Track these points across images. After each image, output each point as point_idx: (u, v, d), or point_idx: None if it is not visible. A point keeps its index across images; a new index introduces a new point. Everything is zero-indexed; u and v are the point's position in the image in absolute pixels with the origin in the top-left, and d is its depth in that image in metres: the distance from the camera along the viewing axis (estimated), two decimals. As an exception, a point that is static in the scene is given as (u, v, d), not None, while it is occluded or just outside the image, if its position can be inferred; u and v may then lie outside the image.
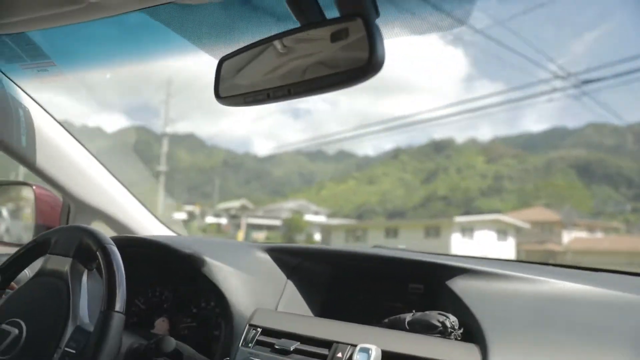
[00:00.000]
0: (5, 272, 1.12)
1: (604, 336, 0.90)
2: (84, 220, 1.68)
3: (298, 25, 0.80)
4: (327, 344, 1.03)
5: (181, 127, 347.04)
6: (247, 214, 42.67)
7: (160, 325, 1.34)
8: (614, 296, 1.02)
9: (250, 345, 1.11)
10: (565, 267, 1.46)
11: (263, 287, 1.32)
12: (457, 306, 1.08)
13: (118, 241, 1.05)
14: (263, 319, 1.16)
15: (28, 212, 1.79)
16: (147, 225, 1.86)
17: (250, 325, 1.15)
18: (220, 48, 1.03)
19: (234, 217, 40.98)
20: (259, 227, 42.26)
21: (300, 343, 1.06)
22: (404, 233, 32.76)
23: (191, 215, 47.36)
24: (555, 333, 0.93)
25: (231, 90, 0.88)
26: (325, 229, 35.21)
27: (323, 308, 1.39)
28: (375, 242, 28.27)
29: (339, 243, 30.75)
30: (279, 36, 0.80)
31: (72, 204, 1.67)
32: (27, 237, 1.76)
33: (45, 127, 1.48)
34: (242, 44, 0.85)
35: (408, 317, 1.09)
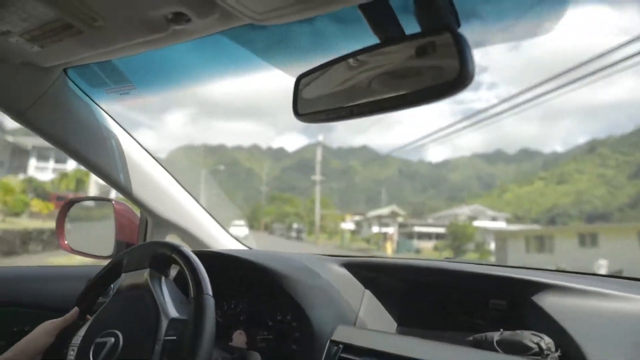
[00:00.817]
0: (83, 301, 1.18)
1: None
2: (160, 234, 1.77)
3: (377, 41, 0.79)
4: None
5: (356, 141, 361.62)
6: (404, 222, 40.90)
7: (238, 338, 1.35)
8: None
9: None
10: None
11: (341, 301, 1.31)
12: (548, 326, 1.04)
13: (194, 255, 1.08)
14: (345, 335, 1.14)
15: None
16: (220, 239, 1.94)
17: (332, 341, 1.14)
18: (296, 66, 1.03)
19: (402, 225, 39.38)
20: (426, 236, 39.81)
21: None
22: (607, 239, 25.44)
23: (358, 224, 47.85)
24: None
25: (311, 107, 0.89)
26: (501, 237, 30.16)
27: (400, 323, 1.39)
28: (566, 252, 23.32)
29: (517, 253, 26.03)
30: (356, 53, 0.80)
31: (149, 218, 1.77)
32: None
33: (125, 145, 1.58)
34: (318, 62, 0.87)
35: (496, 336, 1.04)
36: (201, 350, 0.90)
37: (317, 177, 40.80)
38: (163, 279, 1.09)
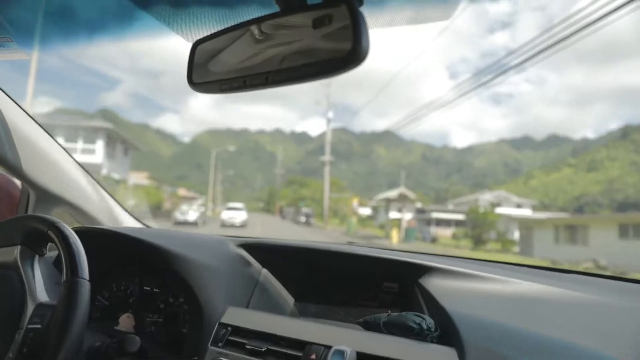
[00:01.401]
0: None
1: (577, 337, 0.92)
2: (44, 209, 1.57)
3: (277, 9, 0.75)
4: (301, 344, 1.02)
5: (380, 125, 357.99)
6: (422, 208, 39.60)
7: (125, 321, 1.28)
8: (581, 298, 1.07)
9: (220, 344, 1.09)
10: (538, 268, 1.41)
11: (235, 283, 1.29)
12: (432, 307, 1.11)
13: (78, 232, 1.00)
14: (234, 318, 1.13)
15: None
16: (116, 216, 1.82)
17: (221, 323, 1.13)
18: (193, 31, 0.97)
19: (420, 211, 38.37)
20: (445, 223, 38.59)
21: (273, 344, 1.04)
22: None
23: (375, 210, 46.17)
24: (533, 336, 0.93)
25: (206, 76, 0.84)
26: (526, 225, 27.22)
27: (296, 305, 1.42)
28: (604, 245, 20.68)
29: (544, 243, 24.10)
30: (256, 21, 0.76)
31: (31, 191, 1.57)
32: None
33: (7, 112, 1.42)
34: (216, 28, 0.83)
35: (383, 317, 1.10)
36: (66, 342, 0.83)
37: (327, 157, 38.90)
38: (37, 258, 1.00)
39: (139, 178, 36.57)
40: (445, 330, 1.01)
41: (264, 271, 1.41)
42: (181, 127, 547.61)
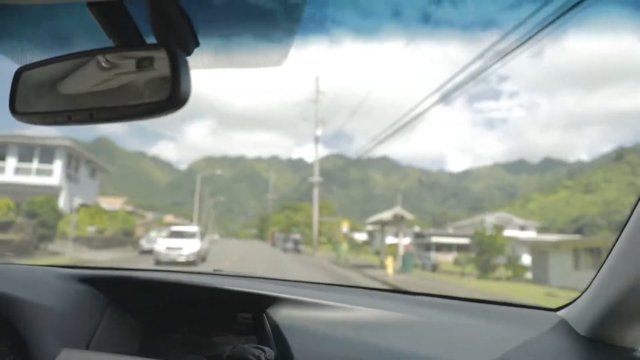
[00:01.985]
0: None
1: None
2: None
3: (111, 44, 0.75)
4: None
5: (376, 151, 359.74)
6: (421, 232, 37.08)
7: None
8: (419, 321, 1.17)
9: None
10: (387, 291, 1.51)
11: (72, 323, 1.20)
12: (277, 337, 1.14)
13: None
14: None
15: None
16: None
17: None
18: (19, 54, 0.92)
19: (419, 236, 36.26)
20: (446, 247, 36.65)
21: None
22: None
23: (371, 235, 43.97)
24: None
25: (30, 106, 0.79)
26: (538, 249, 24.56)
27: (145, 342, 1.36)
28: None
29: (562, 269, 20.98)
30: (86, 54, 0.74)
31: None
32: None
33: None
34: (45, 56, 0.79)
35: (228, 351, 1.13)
36: None
37: (315, 178, 36.73)
38: None
39: (113, 203, 34.11)
40: None
41: (111, 306, 1.32)
42: (178, 155, 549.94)
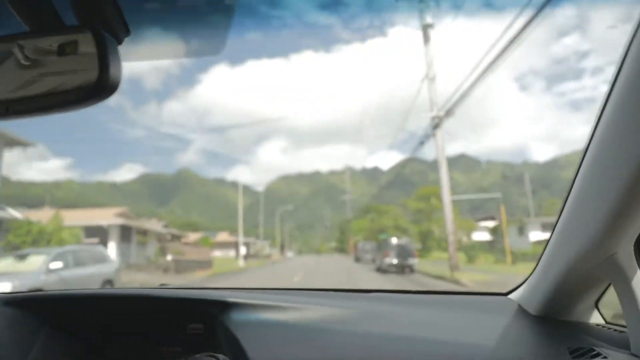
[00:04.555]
0: None
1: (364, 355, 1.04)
2: None
3: (26, 29, 0.68)
4: None
5: (452, 149, 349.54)
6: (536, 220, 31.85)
7: None
8: (363, 316, 1.19)
9: None
10: (342, 291, 1.50)
11: (2, 349, 1.17)
12: (231, 343, 1.14)
13: None
14: None
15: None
16: None
17: None
18: None
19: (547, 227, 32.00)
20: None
21: None
22: None
23: (495, 232, 34.77)
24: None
25: None
26: None
27: None
28: None
29: None
30: (2, 38, 0.67)
31: None
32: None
33: None
34: None
35: None
36: None
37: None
38: None
39: (103, 215, 26.38)
40: None
41: (46, 328, 1.26)
42: (254, 177, 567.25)
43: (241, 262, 33.72)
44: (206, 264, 27.36)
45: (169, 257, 24.80)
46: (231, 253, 51.41)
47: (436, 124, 17.73)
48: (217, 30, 0.83)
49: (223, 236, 56.32)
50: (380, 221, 59.37)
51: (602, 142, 0.77)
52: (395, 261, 20.59)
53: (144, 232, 27.65)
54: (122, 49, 0.66)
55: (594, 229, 0.83)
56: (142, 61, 0.84)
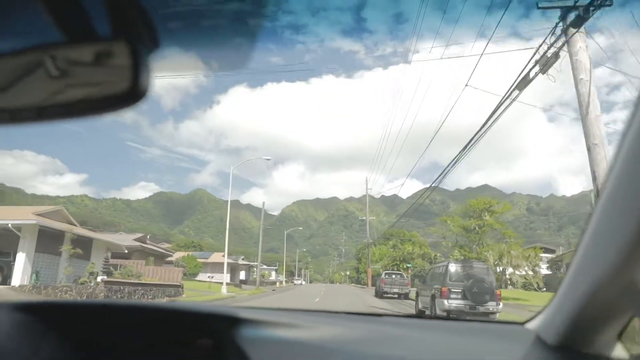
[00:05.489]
0: None
1: None
2: None
3: (59, 39, 0.70)
4: None
5: (474, 180, 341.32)
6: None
7: None
8: (377, 338, 1.19)
9: None
10: (356, 314, 1.50)
11: (7, 356, 1.15)
12: (242, 358, 1.12)
13: None
14: None
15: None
16: None
17: None
18: None
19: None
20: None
21: None
22: None
23: (556, 266, 29.35)
24: None
25: None
26: None
27: None
28: None
29: None
30: (34, 48, 0.70)
31: None
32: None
33: None
34: None
35: None
36: None
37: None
38: None
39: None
40: None
41: (52, 336, 1.22)
42: (269, 201, 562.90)
43: (224, 290, 25.38)
44: (170, 289, 19.54)
45: (99, 279, 16.97)
46: (227, 277, 43.89)
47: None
48: (239, 52, 0.84)
49: (217, 257, 47.59)
50: (405, 247, 51.16)
51: (626, 164, 0.73)
52: (462, 304, 11.69)
53: (86, 242, 19.81)
54: (153, 60, 0.68)
55: (615, 254, 0.78)
56: (167, 73, 0.87)
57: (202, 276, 41.66)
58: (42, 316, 1.24)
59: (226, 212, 32.25)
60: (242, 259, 45.32)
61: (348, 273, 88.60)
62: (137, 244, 29.53)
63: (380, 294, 25.79)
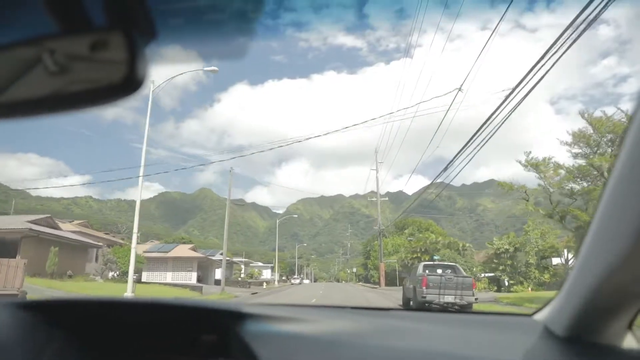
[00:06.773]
0: None
1: None
2: None
3: (54, 29, 0.68)
4: None
5: (480, 175, 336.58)
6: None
7: None
8: (388, 331, 1.20)
9: None
10: (365, 309, 1.53)
11: (13, 354, 1.15)
12: (247, 354, 1.14)
13: None
14: None
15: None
16: None
17: None
18: None
19: None
20: None
21: None
22: None
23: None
24: None
25: None
26: None
27: None
28: None
29: None
30: (28, 40, 0.69)
31: None
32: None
33: None
34: None
35: None
36: None
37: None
38: None
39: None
40: None
41: (60, 333, 1.25)
42: (274, 200, 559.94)
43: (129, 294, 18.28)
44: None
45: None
46: (192, 276, 37.97)
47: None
48: (239, 47, 0.84)
49: (182, 250, 40.00)
50: (427, 236, 43.26)
51: (635, 145, 0.71)
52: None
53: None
54: (148, 50, 0.68)
55: (624, 243, 0.75)
56: (164, 64, 0.84)
57: (154, 275, 36.44)
58: (50, 315, 1.24)
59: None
60: (220, 254, 39.27)
61: (355, 270, 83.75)
62: (27, 226, 23.86)
63: (417, 303, 14.00)
